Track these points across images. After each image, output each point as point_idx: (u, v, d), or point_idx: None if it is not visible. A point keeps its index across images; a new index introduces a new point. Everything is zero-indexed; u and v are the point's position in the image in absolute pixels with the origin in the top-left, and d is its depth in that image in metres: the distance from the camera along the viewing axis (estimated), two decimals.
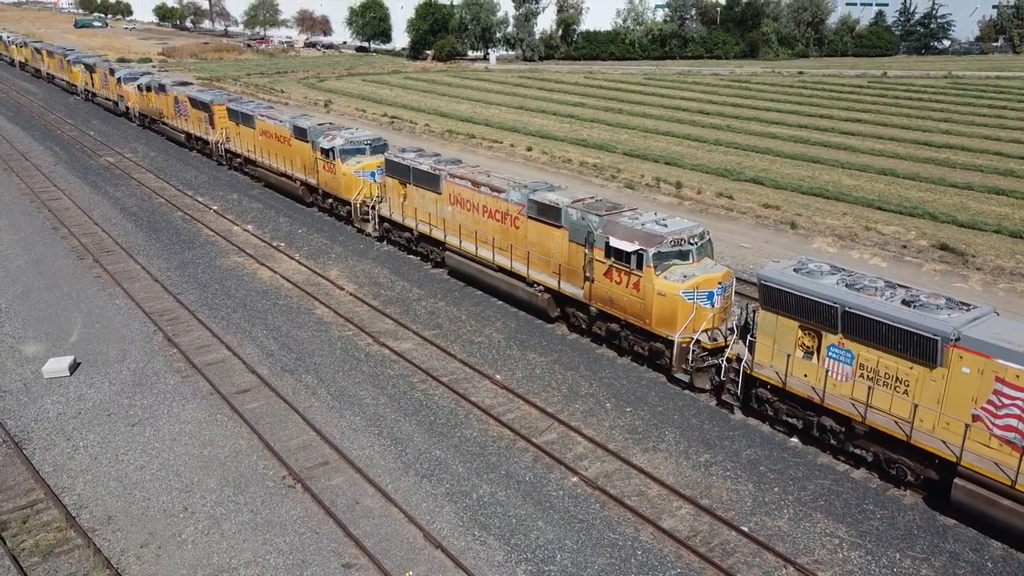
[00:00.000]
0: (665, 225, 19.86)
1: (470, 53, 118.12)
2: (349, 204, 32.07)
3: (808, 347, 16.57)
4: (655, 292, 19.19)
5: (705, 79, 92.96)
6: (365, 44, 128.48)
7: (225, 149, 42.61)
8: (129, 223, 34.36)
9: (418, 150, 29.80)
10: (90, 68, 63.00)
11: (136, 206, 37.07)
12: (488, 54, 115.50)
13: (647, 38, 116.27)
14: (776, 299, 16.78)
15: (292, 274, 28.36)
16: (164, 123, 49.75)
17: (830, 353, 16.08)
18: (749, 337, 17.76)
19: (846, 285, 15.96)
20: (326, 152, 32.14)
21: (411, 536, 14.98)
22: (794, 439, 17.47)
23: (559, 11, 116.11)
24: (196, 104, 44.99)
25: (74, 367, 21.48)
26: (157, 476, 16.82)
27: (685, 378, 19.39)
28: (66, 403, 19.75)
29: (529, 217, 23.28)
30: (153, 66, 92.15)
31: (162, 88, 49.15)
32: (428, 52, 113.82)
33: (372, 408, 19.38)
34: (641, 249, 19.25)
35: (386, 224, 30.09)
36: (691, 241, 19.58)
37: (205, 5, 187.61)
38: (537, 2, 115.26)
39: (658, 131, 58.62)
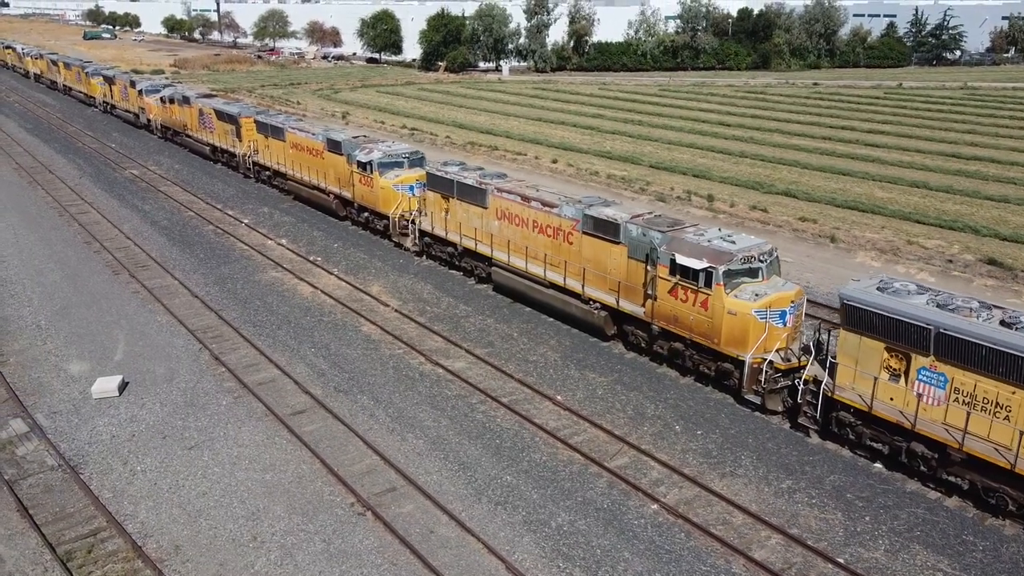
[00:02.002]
0: (733, 242, 19.37)
1: (481, 64, 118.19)
2: (386, 218, 31.62)
3: (895, 369, 16.04)
4: (725, 311, 18.68)
5: (720, 90, 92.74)
6: (376, 55, 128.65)
7: (253, 162, 42.23)
8: (161, 237, 33.93)
9: (460, 163, 29.37)
10: (109, 80, 62.78)
11: (166, 219, 36.66)
12: (500, 65, 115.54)
13: (659, 49, 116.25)
14: (860, 319, 16.26)
15: (333, 290, 27.89)
16: (188, 135, 49.42)
17: (920, 376, 15.55)
18: (829, 359, 17.23)
19: (937, 305, 15.45)
20: (363, 165, 31.72)
21: (493, 568, 14.41)
22: (878, 464, 16.91)
23: (571, 22, 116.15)
24: (222, 116, 44.66)
25: (123, 387, 21.01)
26: (221, 503, 16.28)
27: (756, 400, 18.86)
28: (119, 425, 19.24)
29: (584, 233, 22.80)
30: (166, 78, 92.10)
31: (186, 100, 48.84)
32: (440, 63, 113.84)
33: (434, 431, 18.84)
34: (710, 267, 18.76)
35: (427, 238, 29.62)
36: (761, 258, 19.09)
37: (214, 17, 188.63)
38: (549, 13, 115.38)
39: (681, 143, 58.28)
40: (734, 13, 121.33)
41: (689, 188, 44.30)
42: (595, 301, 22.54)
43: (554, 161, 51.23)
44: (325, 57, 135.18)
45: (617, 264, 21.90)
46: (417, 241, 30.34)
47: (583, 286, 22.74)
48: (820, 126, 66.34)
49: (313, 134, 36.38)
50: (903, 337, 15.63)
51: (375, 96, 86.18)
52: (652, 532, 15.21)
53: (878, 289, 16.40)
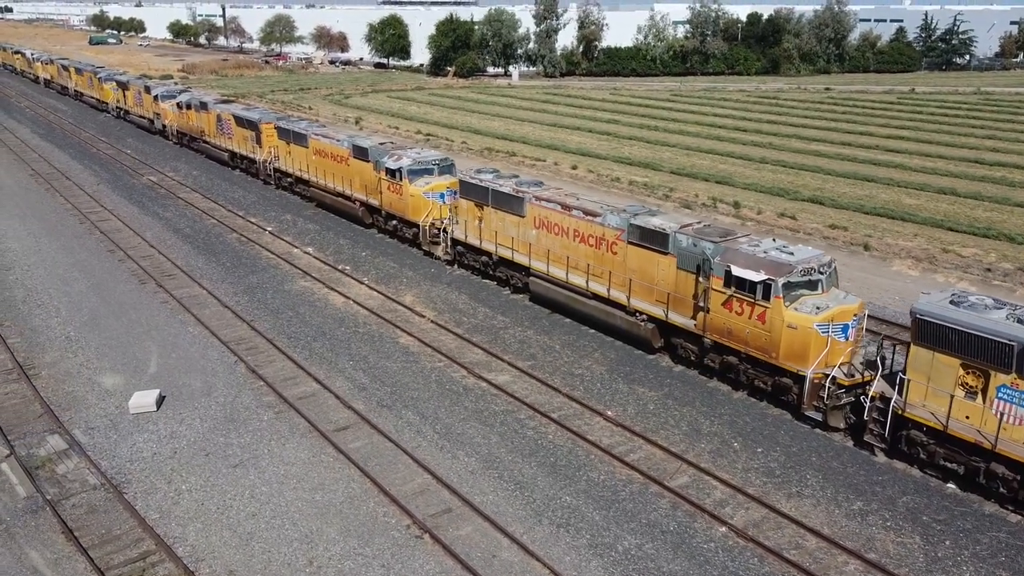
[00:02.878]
0: (791, 253, 18.84)
1: (489, 69, 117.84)
2: (416, 226, 31.08)
3: (971, 387, 15.48)
4: (784, 324, 18.14)
5: (732, 95, 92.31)
6: (383, 61, 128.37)
7: (274, 168, 41.75)
8: (185, 245, 33.42)
9: (494, 171, 28.83)
10: (123, 86, 62.36)
11: (188, 227, 36.16)
12: (509, 70, 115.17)
13: (668, 54, 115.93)
14: (933, 335, 15.72)
15: (365, 300, 27.36)
16: (205, 142, 48.95)
17: (1000, 394, 14.99)
18: (899, 375, 16.67)
19: (1018, 320, 14.92)
20: (392, 172, 31.20)
21: None
22: (951, 485, 16.34)
23: (580, 27, 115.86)
24: (241, 122, 44.19)
25: (160, 401, 20.47)
26: (272, 525, 15.72)
27: (817, 416, 18.30)
28: (159, 441, 18.70)
29: (629, 243, 22.26)
30: (175, 83, 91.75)
31: (204, 106, 48.39)
32: (449, 68, 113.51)
33: (485, 448, 18.29)
34: (769, 279, 18.22)
35: (459, 247, 29.08)
36: (820, 270, 18.57)
37: (219, 22, 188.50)
38: (558, 18, 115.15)
39: (700, 149, 57.79)
40: (743, 18, 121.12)
41: (713, 195, 43.81)
42: (641, 313, 22.00)
43: (574, 167, 50.76)
44: (333, 62, 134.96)
45: (665, 275, 21.37)
46: (449, 250, 29.79)
47: (629, 297, 22.21)
48: (837, 131, 65.90)
49: (338, 140, 35.89)
50: (982, 354, 15.08)
51: (386, 101, 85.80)
52: (724, 556, 14.64)
53: (951, 303, 15.87)
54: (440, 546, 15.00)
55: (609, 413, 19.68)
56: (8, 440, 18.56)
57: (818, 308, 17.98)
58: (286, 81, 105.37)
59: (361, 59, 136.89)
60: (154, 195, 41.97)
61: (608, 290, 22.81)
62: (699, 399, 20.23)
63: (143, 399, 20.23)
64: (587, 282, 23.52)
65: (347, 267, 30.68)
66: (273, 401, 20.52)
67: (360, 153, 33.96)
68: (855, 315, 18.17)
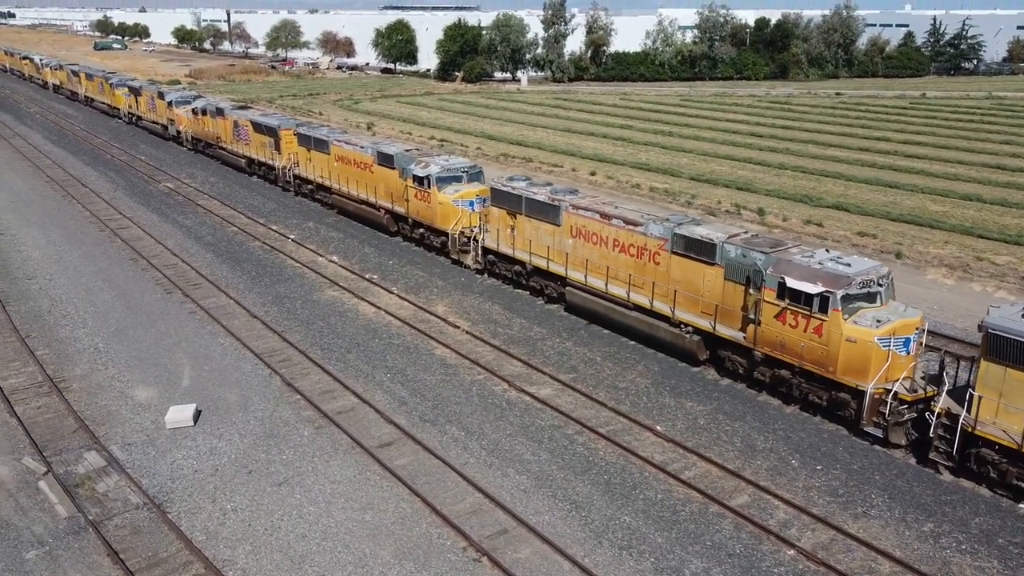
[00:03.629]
0: (848, 264, 18.36)
1: (497, 74, 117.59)
2: (444, 234, 30.62)
3: None
4: (843, 338, 17.65)
5: (743, 100, 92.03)
6: (390, 66, 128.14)
7: (294, 175, 41.32)
8: (208, 253, 32.96)
9: (526, 178, 28.38)
10: (135, 91, 62.01)
11: (210, 235, 35.70)
12: (518, 75, 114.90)
13: (677, 59, 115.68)
14: (1007, 350, 15.23)
15: (396, 310, 26.88)
16: (221, 148, 48.53)
17: None
18: (968, 391, 16.18)
19: None
20: (420, 180, 30.74)
21: None
22: None
23: (588, 32, 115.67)
24: (260, 128, 43.78)
25: (197, 416, 19.98)
26: (323, 547, 15.21)
27: (877, 432, 17.80)
28: (198, 458, 18.21)
29: (673, 252, 21.79)
30: (184, 88, 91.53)
31: (220, 112, 47.99)
32: (457, 73, 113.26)
33: (535, 465, 17.79)
34: (827, 291, 17.74)
35: (490, 256, 28.62)
36: (879, 282, 18.09)
37: (224, 27, 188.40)
38: (566, 24, 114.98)
39: (717, 155, 57.39)
40: (751, 23, 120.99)
41: (735, 201, 43.37)
42: (687, 325, 21.52)
43: (592, 173, 50.33)
44: (340, 67, 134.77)
45: (711, 286, 20.89)
46: (479, 259, 29.33)
47: (673, 309, 21.73)
48: (854, 137, 65.55)
49: (362, 147, 35.45)
50: None
51: (396, 106, 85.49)
52: None
53: None
54: (500, 570, 14.48)
55: (658, 428, 19.19)
56: (44, 457, 18.08)
57: (878, 321, 17.49)
58: (294, 86, 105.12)
59: (367, 64, 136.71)
60: (172, 202, 41.55)
61: (652, 301, 22.34)
62: (750, 414, 19.74)
63: (180, 414, 19.74)
64: (628, 293, 23.05)
65: (375, 276, 30.21)
66: (312, 416, 20.03)
67: (385, 160, 33.52)
68: (917, 328, 17.69)
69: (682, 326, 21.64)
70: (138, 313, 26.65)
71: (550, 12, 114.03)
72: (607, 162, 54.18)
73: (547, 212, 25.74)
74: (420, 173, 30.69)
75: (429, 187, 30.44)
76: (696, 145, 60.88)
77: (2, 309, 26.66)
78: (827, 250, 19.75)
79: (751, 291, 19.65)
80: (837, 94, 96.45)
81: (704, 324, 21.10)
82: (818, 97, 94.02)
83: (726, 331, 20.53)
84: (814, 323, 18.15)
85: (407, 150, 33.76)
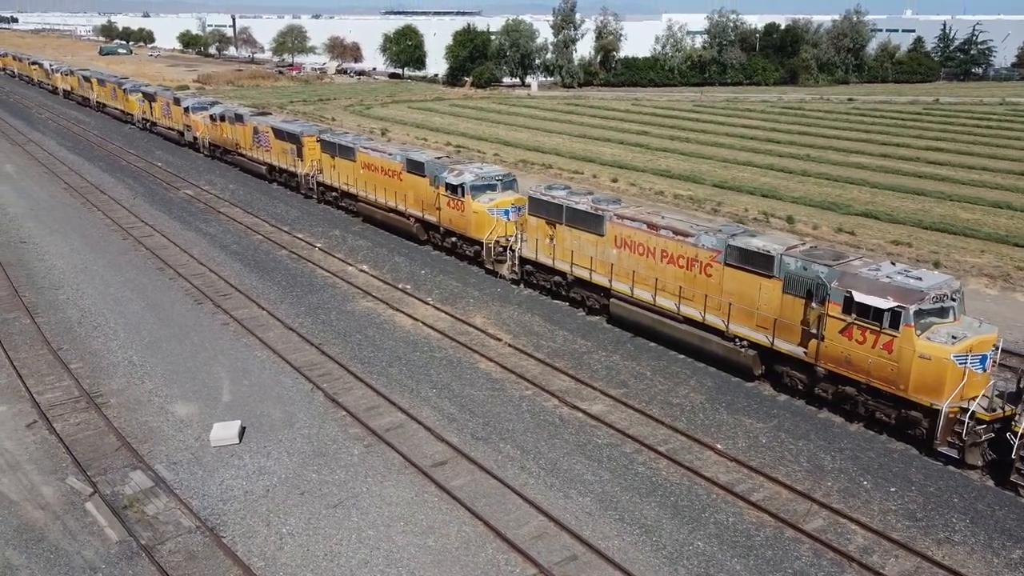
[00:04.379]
0: (919, 278, 17.80)
1: (506, 80, 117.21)
2: (478, 243, 30.05)
3: None
4: (915, 355, 17.08)
5: (755, 106, 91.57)
6: (398, 71, 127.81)
7: (317, 182, 40.79)
8: (235, 262, 32.41)
9: (565, 187, 27.83)
10: (150, 97, 61.53)
11: (235, 243, 35.16)
12: (528, 80, 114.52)
13: (686, 64, 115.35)
14: None
15: (434, 321, 26.31)
16: (241, 154, 48.01)
17: None
18: None
19: None
20: (453, 188, 30.19)
21: None
22: None
23: (598, 38, 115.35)
24: (281, 135, 43.27)
25: (241, 433, 19.41)
26: (387, 574, 14.60)
27: (951, 453, 17.20)
28: (247, 478, 17.62)
29: (727, 264, 21.24)
30: (192, 93, 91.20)
31: (239, 118, 47.48)
32: (466, 79, 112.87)
33: (597, 486, 17.21)
34: (899, 306, 17.17)
35: (528, 266, 28.07)
36: (952, 297, 17.55)
37: (230, 32, 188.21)
38: (576, 29, 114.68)
39: (737, 161, 56.88)
40: (761, 28, 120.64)
41: (762, 208, 42.84)
42: (742, 339, 20.94)
43: (614, 180, 49.83)
44: (345, 72, 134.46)
45: (769, 299, 20.33)
46: (515, 269, 28.77)
47: (727, 322, 21.16)
48: (872, 143, 65.07)
49: (390, 154, 34.90)
50: None
51: (408, 112, 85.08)
52: None
53: None
54: None
55: (719, 446, 18.61)
56: (89, 476, 17.50)
57: (954, 337, 16.92)
58: (303, 91, 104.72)
59: (374, 69, 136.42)
60: (194, 209, 41.02)
61: (704, 314, 21.77)
62: (813, 431, 19.15)
63: (225, 431, 19.16)
64: (678, 305, 22.48)
65: (408, 286, 29.64)
66: (360, 433, 19.44)
67: (415, 167, 32.99)
68: (993, 345, 17.13)
69: (737, 340, 21.08)
70: (170, 324, 26.09)
71: (560, 17, 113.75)
72: (627, 169, 53.69)
73: (590, 222, 25.19)
74: (453, 181, 30.14)
75: (463, 195, 29.88)
76: (715, 151, 60.40)
77: (31, 320, 26.14)
78: (892, 262, 19.20)
79: (813, 305, 19.09)
80: (849, 99, 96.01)
81: (760, 338, 20.52)
82: (830, 103, 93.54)
83: (786, 346, 19.95)
84: (884, 339, 17.57)
85: (438, 157, 33.25)
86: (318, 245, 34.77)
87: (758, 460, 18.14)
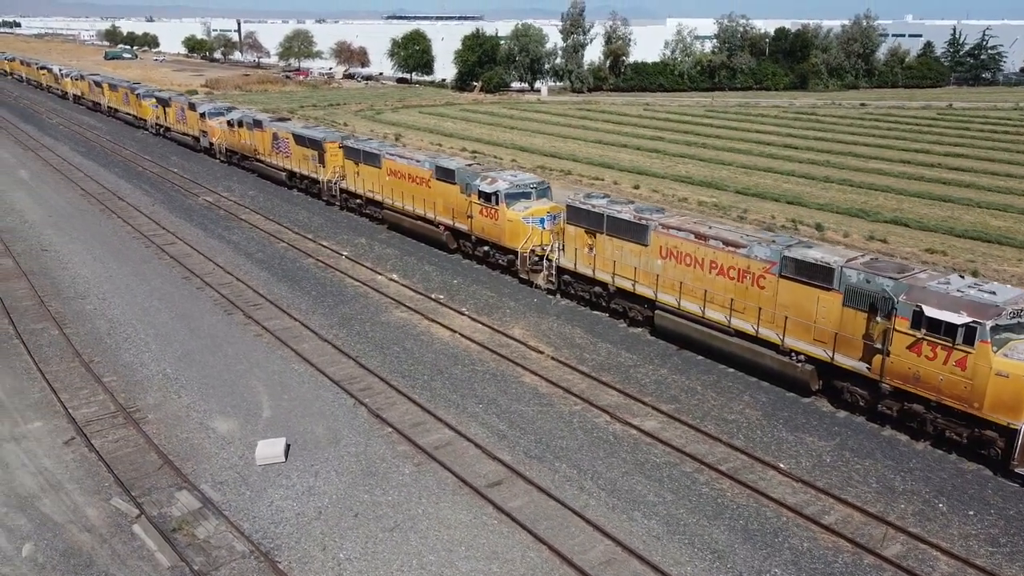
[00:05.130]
0: (993, 292, 17.24)
1: (514, 85, 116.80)
2: (512, 253, 29.45)
3: None
4: (991, 372, 16.49)
5: (767, 111, 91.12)
6: (406, 75, 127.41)
7: (340, 189, 40.24)
8: (262, 271, 31.83)
9: (605, 195, 27.28)
10: (164, 102, 61.04)
11: (260, 251, 34.58)
12: (537, 85, 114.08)
13: (696, 69, 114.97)
14: None
15: (472, 333, 25.69)
16: (259, 160, 47.47)
17: None
18: None
19: None
20: (487, 196, 29.61)
21: None
22: None
23: (607, 42, 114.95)
24: (302, 141, 42.74)
25: (287, 450, 18.81)
26: None
27: None
28: (297, 498, 17.01)
29: (781, 276, 20.66)
30: (201, 98, 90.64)
31: (258, 124, 46.96)
32: (475, 83, 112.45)
33: (661, 508, 16.60)
34: (974, 322, 16.59)
35: (565, 276, 27.49)
36: None
37: (235, 37, 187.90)
38: (585, 33, 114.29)
39: (757, 167, 56.35)
40: (771, 33, 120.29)
41: (789, 215, 42.28)
42: (799, 353, 20.36)
43: (636, 187, 49.25)
44: (353, 76, 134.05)
45: (827, 313, 19.74)
46: (552, 278, 28.17)
47: (783, 336, 20.58)
48: (891, 149, 64.57)
49: (418, 161, 34.36)
50: None
51: (419, 117, 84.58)
52: None
53: None
54: None
55: (782, 466, 18.00)
56: (133, 497, 16.89)
57: None
58: (312, 96, 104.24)
59: (381, 74, 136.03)
60: (214, 216, 40.46)
61: (757, 327, 21.18)
62: (879, 450, 18.54)
63: (270, 449, 18.54)
64: (729, 318, 21.90)
65: (441, 296, 29.04)
66: (409, 451, 18.83)
67: (445, 175, 32.43)
68: None
69: (793, 354, 20.49)
70: (201, 336, 25.50)
71: (568, 22, 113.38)
72: (647, 175, 53.11)
73: (633, 232, 24.61)
74: (487, 189, 29.56)
75: (497, 204, 29.31)
76: (733, 157, 59.85)
77: (60, 331, 25.56)
78: (961, 276, 18.65)
79: (878, 319, 18.51)
80: (862, 105, 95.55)
81: (819, 352, 19.92)
82: (843, 108, 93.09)
83: (847, 361, 19.36)
84: (957, 355, 16.99)
85: (468, 164, 32.71)
86: (345, 253, 34.21)
87: (824, 480, 17.52)
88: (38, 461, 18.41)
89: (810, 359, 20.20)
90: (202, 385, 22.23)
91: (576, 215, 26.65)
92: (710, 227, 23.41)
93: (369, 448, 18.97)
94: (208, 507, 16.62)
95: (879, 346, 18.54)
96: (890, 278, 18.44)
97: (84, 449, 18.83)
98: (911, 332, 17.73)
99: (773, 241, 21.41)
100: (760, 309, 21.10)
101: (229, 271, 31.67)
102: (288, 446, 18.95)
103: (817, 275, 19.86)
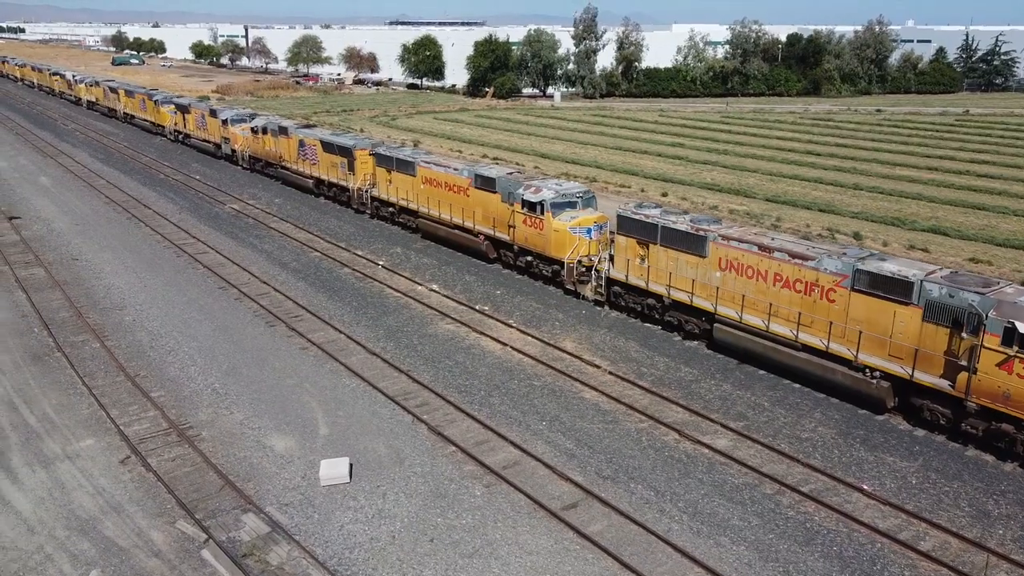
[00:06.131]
0: None
1: (526, 90, 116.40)
2: (557, 263, 28.85)
3: None
4: None
5: (783, 117, 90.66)
6: (416, 81, 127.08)
7: (371, 197, 39.67)
8: (299, 281, 31.24)
9: (657, 205, 26.70)
10: (183, 109, 60.57)
11: (293, 261, 34.00)
12: (551, 91, 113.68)
13: (708, 75, 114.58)
14: None
15: (523, 346, 25.07)
16: (284, 167, 46.91)
17: None
18: None
19: None
20: (531, 206, 29.02)
21: None
22: None
23: (620, 48, 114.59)
24: (331, 148, 42.20)
25: (350, 471, 18.21)
26: None
27: None
28: (368, 522, 16.39)
29: (854, 290, 20.07)
30: (216, 105, 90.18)
31: (283, 131, 46.43)
32: (487, 89, 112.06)
33: (748, 533, 15.96)
34: None
35: (615, 288, 26.88)
36: None
37: (242, 42, 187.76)
38: (597, 39, 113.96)
39: (783, 174, 55.77)
40: (783, 39, 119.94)
41: (825, 224, 41.70)
42: (874, 369, 19.75)
43: (664, 194, 48.68)
44: (363, 82, 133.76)
45: (905, 328, 19.13)
46: (600, 290, 27.58)
47: (856, 352, 19.97)
48: (915, 155, 64.05)
49: (455, 169, 33.79)
50: None
51: (434, 123, 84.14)
52: None
53: None
54: None
55: (866, 487, 17.38)
56: (198, 520, 16.30)
57: None
58: (324, 102, 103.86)
59: (390, 79, 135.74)
60: (243, 224, 39.90)
61: (828, 342, 20.58)
62: (966, 471, 17.92)
63: (334, 469, 17.93)
64: (797, 333, 21.29)
65: (486, 307, 28.45)
66: (476, 471, 18.21)
67: (485, 183, 31.85)
68: None
69: (867, 371, 19.88)
70: (246, 349, 24.90)
71: (581, 27, 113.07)
72: (673, 182, 52.56)
73: (690, 243, 24.03)
74: (532, 198, 28.97)
75: (542, 213, 28.71)
76: (757, 164, 59.32)
77: (101, 344, 24.97)
78: None
79: (963, 335, 17.91)
80: (878, 111, 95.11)
81: (896, 369, 19.31)
82: (859, 114, 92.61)
83: (926, 378, 18.76)
84: None
85: (509, 173, 32.12)
86: (381, 263, 33.63)
87: (913, 503, 16.90)
88: (95, 481, 17.82)
89: (886, 375, 19.62)
90: (253, 400, 21.63)
91: (627, 225, 26.07)
92: (772, 238, 22.82)
93: (435, 468, 18.35)
94: (277, 531, 15.99)
95: (964, 363, 17.95)
96: (976, 292, 17.85)
97: (141, 468, 18.21)
98: (1002, 349, 17.12)
99: (843, 253, 20.82)
100: (831, 323, 20.50)
101: (265, 281, 31.07)
102: (351, 466, 18.39)
103: (894, 289, 19.26)
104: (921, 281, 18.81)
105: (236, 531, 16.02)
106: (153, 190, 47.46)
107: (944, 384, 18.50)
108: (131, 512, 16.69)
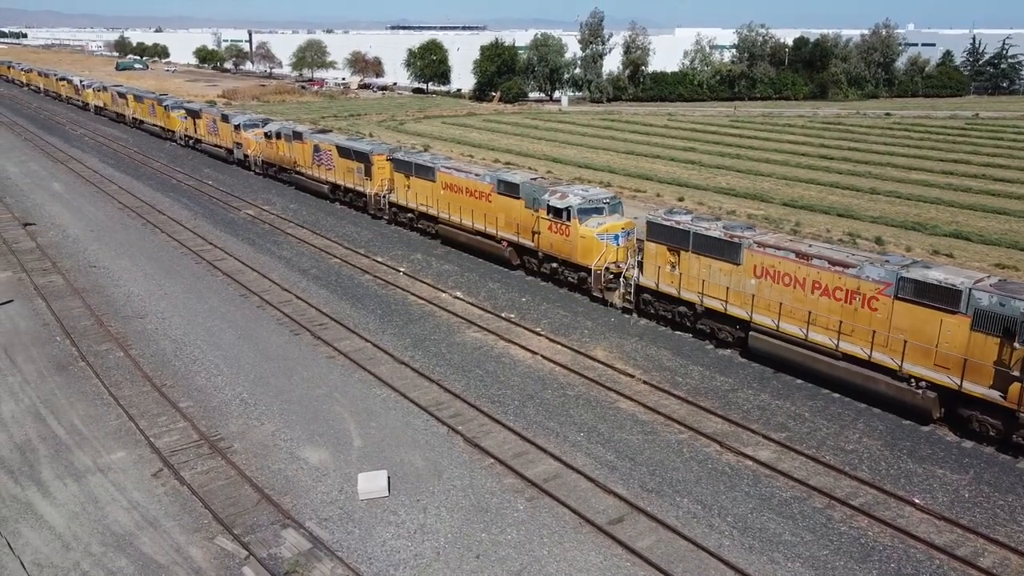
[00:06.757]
0: None
1: (532, 95, 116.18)
2: (584, 270, 28.50)
3: None
4: None
5: (792, 121, 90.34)
6: (421, 86, 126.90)
7: (389, 203, 39.34)
8: (320, 288, 30.89)
9: (687, 211, 26.40)
10: (193, 114, 60.30)
11: (313, 268, 33.64)
12: (558, 95, 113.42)
13: (715, 79, 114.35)
14: None
15: (553, 355, 24.68)
16: (299, 173, 46.60)
17: None
18: None
19: None
20: (557, 212, 28.66)
21: None
22: None
23: (626, 52, 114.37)
24: (347, 153, 41.89)
25: (389, 484, 17.83)
26: None
27: None
28: (410, 537, 16.00)
29: (897, 298, 19.71)
30: (225, 110, 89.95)
31: (297, 136, 46.12)
32: (494, 93, 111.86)
33: (802, 549, 15.55)
34: None
35: (645, 295, 26.51)
36: None
37: (246, 47, 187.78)
38: (604, 43, 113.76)
39: (798, 179, 55.44)
40: (790, 42, 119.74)
41: (845, 229, 41.34)
42: (919, 380, 19.37)
43: (680, 199, 48.32)
44: (368, 87, 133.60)
45: (952, 337, 18.77)
46: (629, 297, 27.20)
47: (901, 361, 19.59)
48: (929, 159, 63.68)
49: (477, 175, 33.45)
50: None
51: (443, 127, 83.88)
52: None
53: None
54: None
55: (917, 501, 16.99)
56: (237, 536, 15.91)
57: None
58: (330, 107, 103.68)
59: (396, 84, 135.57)
60: (259, 231, 39.55)
61: (870, 351, 20.20)
62: (1020, 484, 17.48)
63: (373, 483, 17.54)
64: (837, 342, 20.91)
65: (512, 315, 28.07)
66: (517, 484, 17.83)
67: (509, 189, 31.50)
68: None
69: (912, 380, 19.50)
70: (272, 358, 24.53)
71: (587, 31, 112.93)
72: (688, 187, 52.22)
73: (723, 250, 23.67)
74: (558, 204, 28.61)
75: (568, 219, 28.35)
76: (771, 168, 58.98)
77: (125, 353, 24.60)
78: None
79: (1016, 345, 17.53)
80: (887, 114, 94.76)
81: (942, 379, 18.93)
82: (868, 118, 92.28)
83: (975, 388, 18.39)
84: None
85: (532, 179, 31.77)
86: (402, 269, 33.26)
87: (968, 518, 16.50)
88: (128, 495, 17.44)
89: (932, 385, 19.24)
90: (283, 411, 21.25)
91: (657, 232, 25.71)
92: (810, 245, 22.47)
93: (475, 481, 17.96)
94: (319, 547, 15.60)
95: (1016, 373, 17.58)
96: None
97: (174, 482, 17.83)
98: None
99: (886, 261, 20.45)
100: (873, 332, 20.13)
101: (286, 288, 30.72)
102: (389, 479, 18.01)
103: (942, 297, 18.89)
104: (970, 289, 18.45)
105: (277, 547, 15.64)
106: (166, 195, 47.15)
107: (995, 395, 18.11)
108: (168, 527, 16.31)
